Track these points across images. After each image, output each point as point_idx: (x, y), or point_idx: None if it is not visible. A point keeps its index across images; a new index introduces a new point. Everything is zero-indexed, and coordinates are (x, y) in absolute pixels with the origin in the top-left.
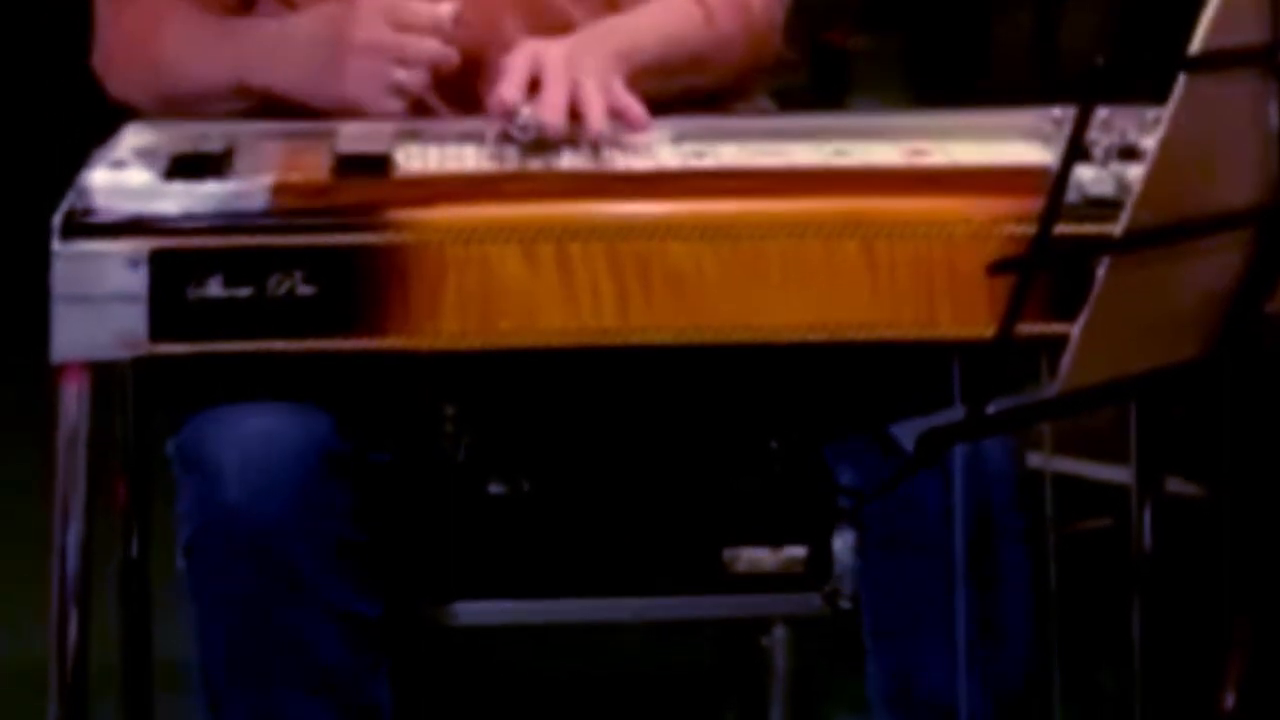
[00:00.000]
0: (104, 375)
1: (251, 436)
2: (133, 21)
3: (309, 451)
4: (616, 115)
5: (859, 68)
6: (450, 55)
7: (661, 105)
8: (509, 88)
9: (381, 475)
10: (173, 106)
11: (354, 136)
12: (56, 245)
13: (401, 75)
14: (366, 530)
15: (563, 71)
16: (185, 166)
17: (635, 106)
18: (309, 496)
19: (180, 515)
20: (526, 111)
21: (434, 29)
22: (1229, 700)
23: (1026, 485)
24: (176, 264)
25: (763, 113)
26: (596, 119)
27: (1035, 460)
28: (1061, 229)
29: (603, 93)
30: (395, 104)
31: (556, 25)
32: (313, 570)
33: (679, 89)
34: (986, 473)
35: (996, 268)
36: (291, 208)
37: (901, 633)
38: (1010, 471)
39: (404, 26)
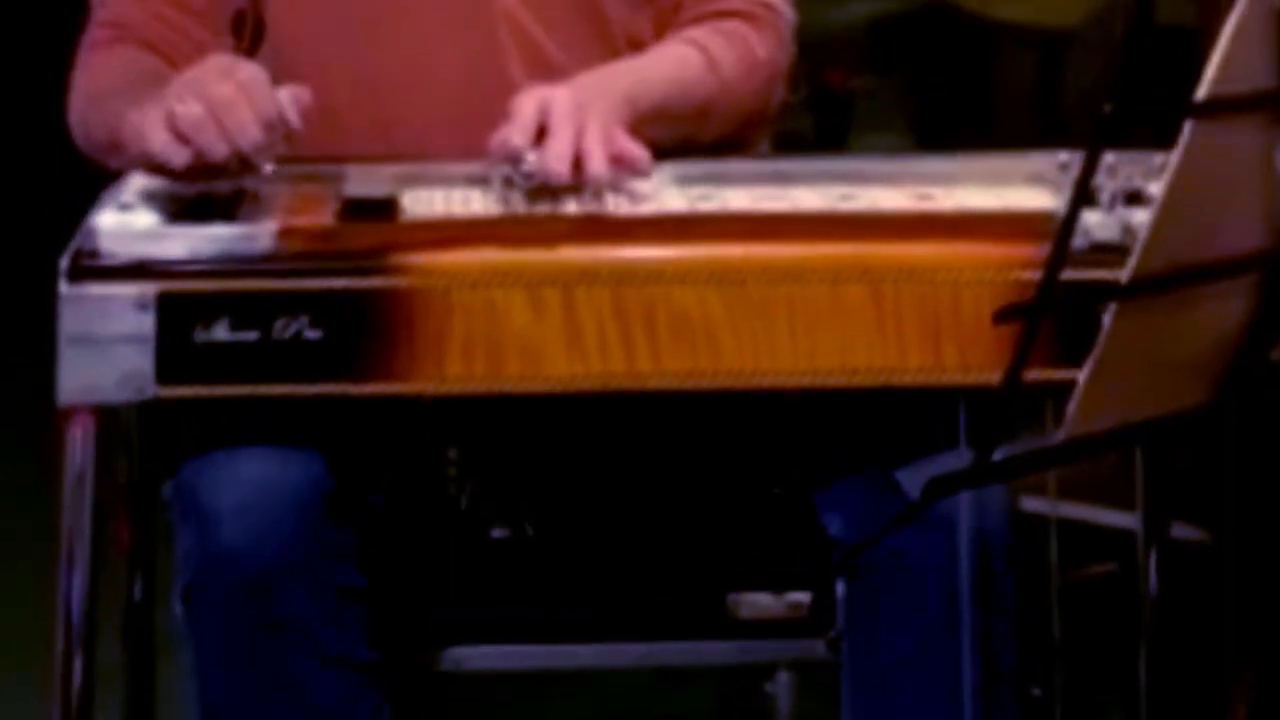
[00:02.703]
0: (109, 417)
1: (250, 481)
2: (79, 75)
3: (308, 495)
4: (618, 161)
5: (860, 109)
6: (261, 145)
7: (664, 152)
8: (517, 133)
9: (381, 519)
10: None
11: (361, 180)
12: (63, 288)
13: (179, 109)
14: (366, 574)
15: (569, 119)
16: (192, 209)
17: (637, 151)
18: (308, 541)
19: (178, 559)
20: (532, 158)
21: (263, 117)
22: None
23: (1020, 533)
24: (183, 307)
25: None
26: (597, 165)
27: (1039, 505)
28: (1068, 275)
29: (605, 139)
30: (162, 136)
31: (559, 76)
32: (311, 615)
33: (682, 136)
34: (982, 521)
35: (1002, 315)
36: (298, 251)
37: (878, 686)
38: (1005, 521)
39: (243, 86)
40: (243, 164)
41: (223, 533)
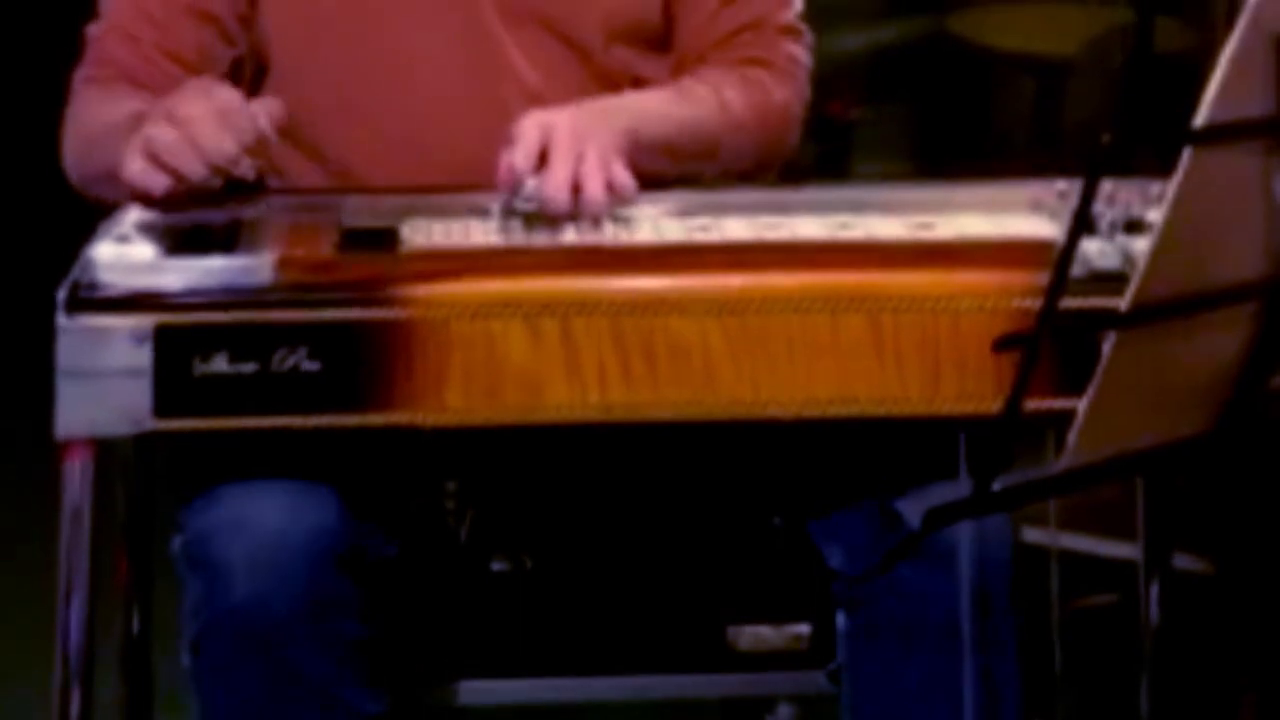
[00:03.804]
0: (107, 450)
1: (259, 533)
2: (73, 111)
3: (318, 548)
4: (611, 190)
5: (862, 138)
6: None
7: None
8: (519, 157)
9: (388, 568)
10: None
11: (360, 211)
12: (61, 320)
13: (153, 133)
14: (373, 626)
15: (570, 146)
16: (190, 241)
17: (628, 182)
18: (317, 596)
19: (186, 611)
20: (532, 184)
21: (236, 131)
22: None
23: (1021, 564)
24: (181, 339)
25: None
26: (594, 194)
27: (1040, 536)
28: (1067, 303)
29: (603, 167)
30: (138, 163)
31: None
32: (320, 670)
33: (686, 173)
34: (983, 552)
35: (1002, 344)
36: (297, 283)
37: (879, 719)
38: (1006, 552)
39: (215, 104)
40: (227, 180)
41: (232, 588)
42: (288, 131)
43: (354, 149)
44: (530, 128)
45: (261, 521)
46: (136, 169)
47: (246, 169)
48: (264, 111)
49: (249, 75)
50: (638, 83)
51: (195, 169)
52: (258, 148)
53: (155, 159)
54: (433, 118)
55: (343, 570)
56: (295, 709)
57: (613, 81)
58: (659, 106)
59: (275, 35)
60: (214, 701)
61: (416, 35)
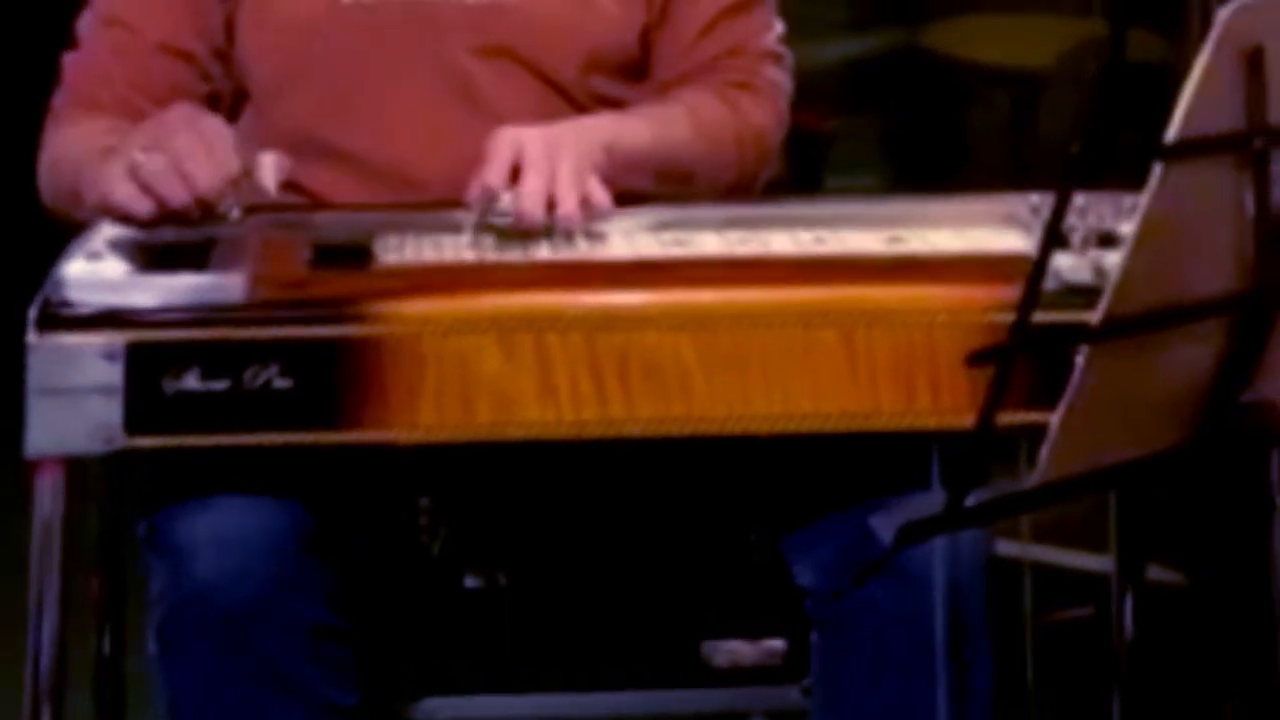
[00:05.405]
0: (78, 468)
1: (225, 517)
2: (48, 137)
3: (284, 532)
4: (585, 205)
5: (835, 151)
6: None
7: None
8: (493, 173)
9: (358, 559)
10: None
11: (332, 227)
12: (32, 338)
13: (142, 160)
14: (342, 615)
15: (543, 161)
16: (162, 258)
17: (602, 197)
18: (283, 578)
19: (151, 597)
20: (507, 199)
21: (223, 167)
22: None
23: (994, 578)
24: (153, 357)
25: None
26: (568, 209)
27: (1013, 549)
28: (1040, 317)
29: (577, 182)
30: (126, 188)
31: None
32: (286, 655)
33: (660, 193)
34: (956, 568)
35: (975, 358)
36: (269, 300)
37: None
38: (979, 568)
39: (204, 136)
40: (205, 211)
41: (196, 568)
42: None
43: (329, 183)
44: (503, 144)
45: (226, 504)
46: (124, 194)
47: (229, 205)
48: (271, 165)
49: (226, 108)
50: (616, 111)
51: (180, 199)
52: (239, 185)
53: (144, 186)
54: (408, 153)
55: (309, 554)
56: (260, 694)
57: (588, 112)
58: (634, 125)
59: (253, 70)
60: (180, 687)
61: (391, 70)
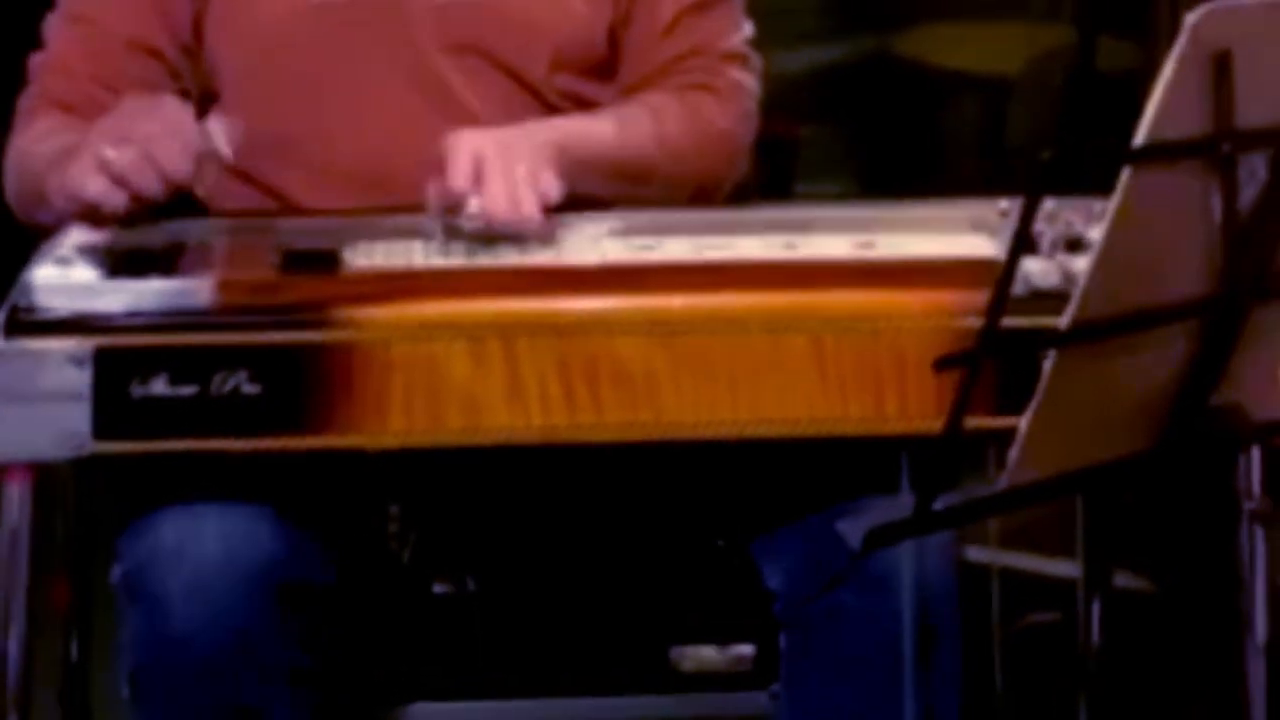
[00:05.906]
0: (47, 474)
1: (196, 567)
2: (14, 138)
3: (255, 580)
4: (541, 201)
5: (805, 158)
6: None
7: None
8: (458, 178)
9: (329, 595)
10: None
11: (301, 232)
12: None
13: (111, 154)
14: (314, 655)
15: (503, 163)
16: (130, 263)
17: (554, 191)
18: (256, 627)
19: (124, 642)
20: (475, 202)
21: (192, 150)
22: None
23: (962, 583)
24: (120, 362)
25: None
26: (529, 208)
27: (981, 555)
28: (1008, 321)
29: (534, 181)
30: (98, 182)
31: None
32: (262, 701)
33: (623, 195)
34: (925, 573)
35: (943, 362)
36: (237, 305)
37: None
38: (948, 573)
39: (168, 121)
40: (178, 192)
41: (170, 620)
42: (234, 161)
43: (299, 181)
44: (461, 149)
45: (200, 552)
46: (97, 189)
47: (200, 185)
48: (221, 132)
49: (195, 104)
50: (584, 110)
51: (155, 188)
52: (206, 165)
53: (117, 179)
54: (377, 151)
55: (282, 601)
56: None
57: (558, 110)
58: (590, 127)
59: (221, 70)
60: None
61: (361, 68)
